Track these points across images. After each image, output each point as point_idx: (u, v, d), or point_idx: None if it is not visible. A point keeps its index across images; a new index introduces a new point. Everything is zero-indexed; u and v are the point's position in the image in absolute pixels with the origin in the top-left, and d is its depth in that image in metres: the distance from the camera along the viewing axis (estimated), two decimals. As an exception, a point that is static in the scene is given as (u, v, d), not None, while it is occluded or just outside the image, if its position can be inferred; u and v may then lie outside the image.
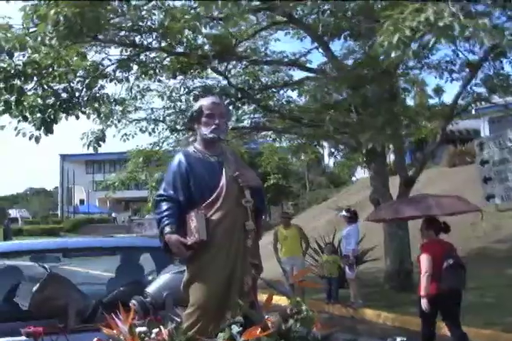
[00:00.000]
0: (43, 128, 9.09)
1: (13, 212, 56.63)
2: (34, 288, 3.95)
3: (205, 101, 3.42)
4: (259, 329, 2.92)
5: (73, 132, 9.38)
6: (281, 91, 13.43)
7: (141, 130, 13.31)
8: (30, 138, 9.07)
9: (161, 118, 13.31)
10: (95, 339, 3.58)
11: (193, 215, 3.12)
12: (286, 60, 12.23)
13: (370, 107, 9.11)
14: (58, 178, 70.13)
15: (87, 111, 10.28)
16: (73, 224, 48.16)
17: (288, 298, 3.15)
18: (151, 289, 4.20)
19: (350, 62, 11.86)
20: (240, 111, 12.74)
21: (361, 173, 39.35)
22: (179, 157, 3.35)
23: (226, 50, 9.87)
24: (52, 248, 5.10)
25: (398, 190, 11.41)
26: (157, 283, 4.25)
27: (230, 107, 11.71)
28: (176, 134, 13.51)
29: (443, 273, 6.39)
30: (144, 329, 3.45)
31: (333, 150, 16.94)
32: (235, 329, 2.95)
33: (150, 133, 13.40)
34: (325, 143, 16.52)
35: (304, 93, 12.52)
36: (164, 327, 3.46)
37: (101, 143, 11.08)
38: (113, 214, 58.71)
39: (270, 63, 12.28)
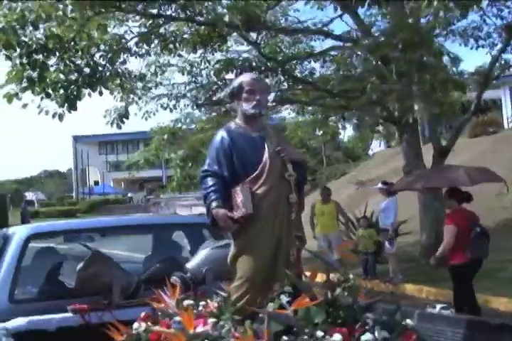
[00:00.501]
0: (66, 105, 9.13)
1: (28, 195, 57.56)
2: (78, 267, 4.11)
3: (245, 78, 3.58)
4: (308, 298, 3.03)
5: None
6: (304, 63, 13.32)
7: (162, 106, 13.38)
8: (53, 116, 9.10)
9: (182, 94, 13.32)
10: (143, 313, 3.74)
11: (239, 190, 3.29)
12: (308, 29, 12.13)
13: (415, 73, 8.89)
14: (71, 160, 70.75)
15: (110, 87, 10.36)
16: (89, 205, 48.79)
17: (332, 269, 3.27)
18: (190, 265, 4.38)
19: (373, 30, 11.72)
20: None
21: (376, 146, 39.60)
22: (221, 133, 3.51)
23: (251, 20, 9.81)
24: (94, 227, 5.23)
25: (432, 160, 11.40)
26: (196, 259, 4.42)
27: None
28: (198, 110, 13.56)
29: (471, 241, 6.54)
30: (191, 302, 3.60)
31: (356, 122, 16.78)
32: (284, 298, 3.09)
33: (171, 110, 13.48)
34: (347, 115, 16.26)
35: (339, 61, 12.34)
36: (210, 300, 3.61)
37: (124, 120, 11.10)
38: (129, 194, 59.23)
39: (299, 32, 12.18)
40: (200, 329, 3.20)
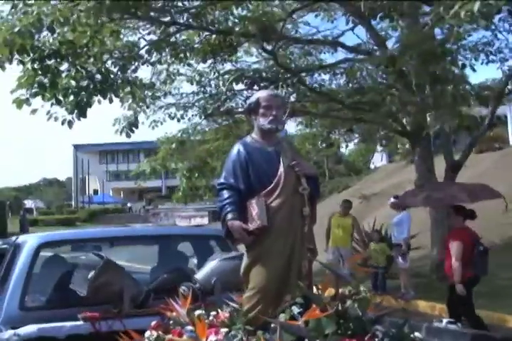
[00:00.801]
0: (75, 112, 9.08)
1: (28, 203, 57.76)
2: (90, 275, 4.21)
3: (262, 94, 3.75)
4: (319, 310, 3.13)
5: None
6: (314, 75, 13.46)
7: (170, 116, 13.50)
8: (62, 123, 9.07)
9: (191, 104, 13.52)
10: (154, 322, 3.83)
11: (254, 202, 3.43)
12: (323, 40, 12.27)
13: (436, 85, 8.87)
14: (71, 169, 71.09)
15: (122, 95, 10.38)
16: (89, 214, 48.98)
17: (343, 282, 3.36)
18: (199, 275, 4.49)
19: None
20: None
21: (378, 161, 39.90)
22: (238, 146, 3.68)
23: (266, 29, 9.92)
24: (104, 236, 5.34)
25: (444, 175, 11.47)
26: (205, 270, 4.53)
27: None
28: (205, 120, 13.64)
29: (475, 259, 6.73)
30: (201, 312, 3.69)
31: (362, 135, 16.80)
32: (296, 309, 3.19)
33: (179, 120, 13.59)
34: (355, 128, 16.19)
35: (350, 73, 12.43)
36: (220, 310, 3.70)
37: (134, 129, 11.20)
38: (128, 204, 59.48)
39: (313, 42, 12.31)
40: (212, 338, 3.30)
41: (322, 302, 3.26)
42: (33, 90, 8.75)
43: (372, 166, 42.08)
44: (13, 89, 8.62)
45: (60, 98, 9.02)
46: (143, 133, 24.97)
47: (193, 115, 13.61)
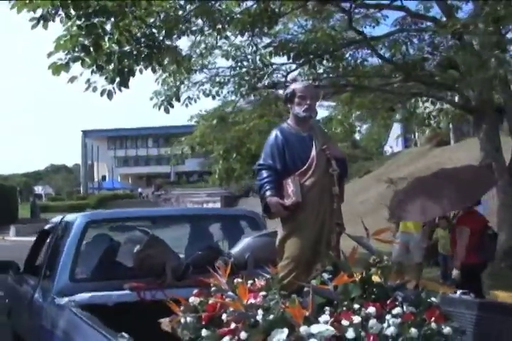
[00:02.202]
0: (117, 81, 8.87)
1: (37, 189, 58.87)
2: (137, 248, 4.85)
3: (297, 85, 4.62)
4: (346, 276, 3.73)
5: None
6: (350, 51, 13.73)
7: (204, 93, 13.65)
8: (101, 94, 8.92)
9: (228, 78, 13.69)
10: (195, 290, 4.44)
11: (290, 181, 4.28)
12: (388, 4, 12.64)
13: None
14: (78, 155, 72.05)
15: (164, 64, 10.27)
16: (98, 199, 49.81)
17: (371, 253, 3.94)
18: (234, 251, 5.13)
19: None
20: (319, 70, 13.01)
21: (394, 146, 40.16)
22: (276, 132, 4.53)
23: None
24: (147, 215, 6.03)
25: (511, 156, 11.50)
26: (239, 246, 5.19)
27: (307, 66, 12.49)
28: (241, 97, 13.96)
29: (485, 243, 7.32)
30: (240, 280, 4.29)
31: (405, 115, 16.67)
32: (326, 276, 3.84)
33: (214, 97, 13.76)
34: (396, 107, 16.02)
35: (397, 46, 12.75)
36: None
37: (174, 103, 11.45)
38: (139, 190, 60.51)
39: (380, 7, 12.64)
40: (252, 300, 3.92)
41: (350, 270, 3.86)
42: (75, 54, 8.46)
43: (388, 150, 42.51)
44: (50, 51, 8.29)
45: (102, 64, 8.84)
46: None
47: (228, 92, 13.90)
